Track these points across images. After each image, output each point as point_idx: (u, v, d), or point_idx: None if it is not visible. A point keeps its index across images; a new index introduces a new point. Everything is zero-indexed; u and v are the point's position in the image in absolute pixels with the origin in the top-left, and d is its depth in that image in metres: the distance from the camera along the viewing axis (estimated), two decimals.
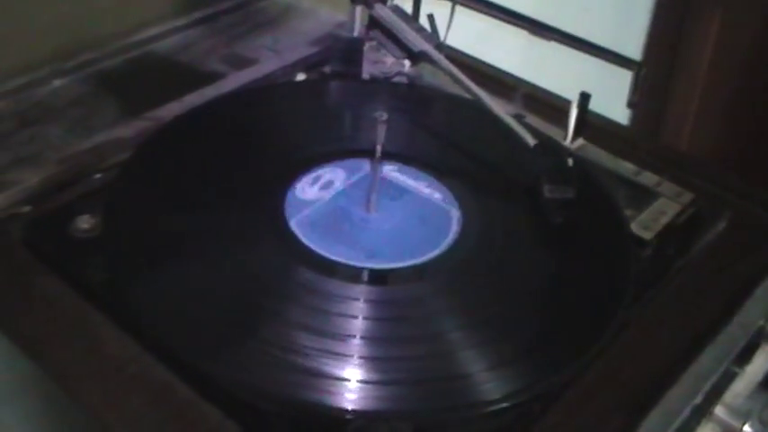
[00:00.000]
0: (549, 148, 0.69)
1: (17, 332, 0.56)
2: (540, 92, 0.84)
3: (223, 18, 0.92)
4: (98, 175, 0.69)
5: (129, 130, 0.73)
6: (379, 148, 0.64)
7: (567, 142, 0.74)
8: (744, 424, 0.59)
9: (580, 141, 0.74)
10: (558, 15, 0.84)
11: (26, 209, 0.65)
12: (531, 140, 0.66)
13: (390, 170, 0.69)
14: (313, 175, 0.68)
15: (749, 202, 0.72)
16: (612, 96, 0.82)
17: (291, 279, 0.59)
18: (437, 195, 0.68)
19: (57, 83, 0.80)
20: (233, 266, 0.60)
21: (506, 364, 0.54)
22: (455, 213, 0.66)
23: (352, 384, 0.52)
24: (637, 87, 0.74)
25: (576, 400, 0.55)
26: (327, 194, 0.66)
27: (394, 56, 0.76)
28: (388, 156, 0.67)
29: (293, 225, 0.63)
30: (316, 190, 0.67)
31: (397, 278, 0.60)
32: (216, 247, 0.61)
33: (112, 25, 0.84)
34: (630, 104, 0.75)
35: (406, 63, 0.79)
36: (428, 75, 0.82)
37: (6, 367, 0.59)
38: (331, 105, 0.80)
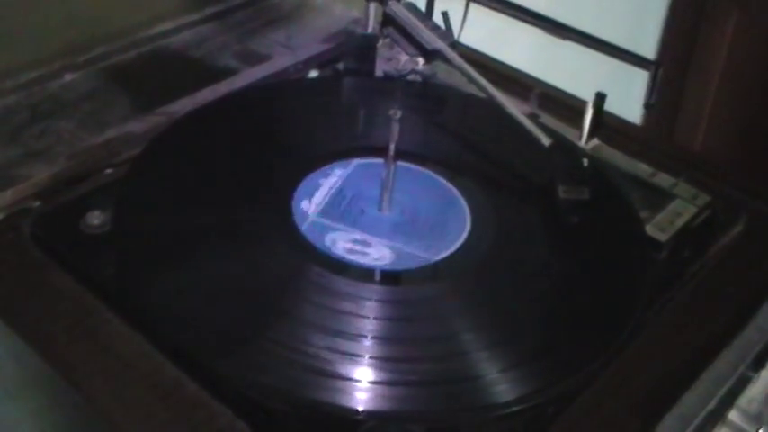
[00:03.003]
0: (563, 148, 0.68)
1: (26, 328, 0.56)
2: (555, 91, 0.83)
3: (236, 14, 0.92)
4: (109, 171, 0.69)
5: (141, 125, 0.73)
6: (392, 146, 0.64)
7: (582, 143, 0.74)
8: (758, 429, 0.59)
9: (595, 142, 0.74)
10: (574, 14, 0.83)
11: (36, 204, 0.65)
12: (545, 140, 0.66)
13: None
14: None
15: (766, 205, 0.71)
16: (627, 96, 0.82)
17: (303, 278, 0.58)
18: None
19: (68, 77, 0.79)
20: (244, 264, 0.59)
21: (520, 367, 0.54)
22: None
23: (363, 385, 0.51)
24: (654, 87, 0.73)
25: (590, 404, 0.54)
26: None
27: (408, 53, 0.76)
28: (402, 154, 0.66)
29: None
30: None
31: (410, 278, 0.60)
32: (227, 245, 0.60)
33: (125, 20, 0.84)
34: (648, 106, 0.74)
35: (420, 61, 0.79)
36: (442, 73, 0.81)
37: (15, 363, 0.59)
38: (344, 102, 0.79)
